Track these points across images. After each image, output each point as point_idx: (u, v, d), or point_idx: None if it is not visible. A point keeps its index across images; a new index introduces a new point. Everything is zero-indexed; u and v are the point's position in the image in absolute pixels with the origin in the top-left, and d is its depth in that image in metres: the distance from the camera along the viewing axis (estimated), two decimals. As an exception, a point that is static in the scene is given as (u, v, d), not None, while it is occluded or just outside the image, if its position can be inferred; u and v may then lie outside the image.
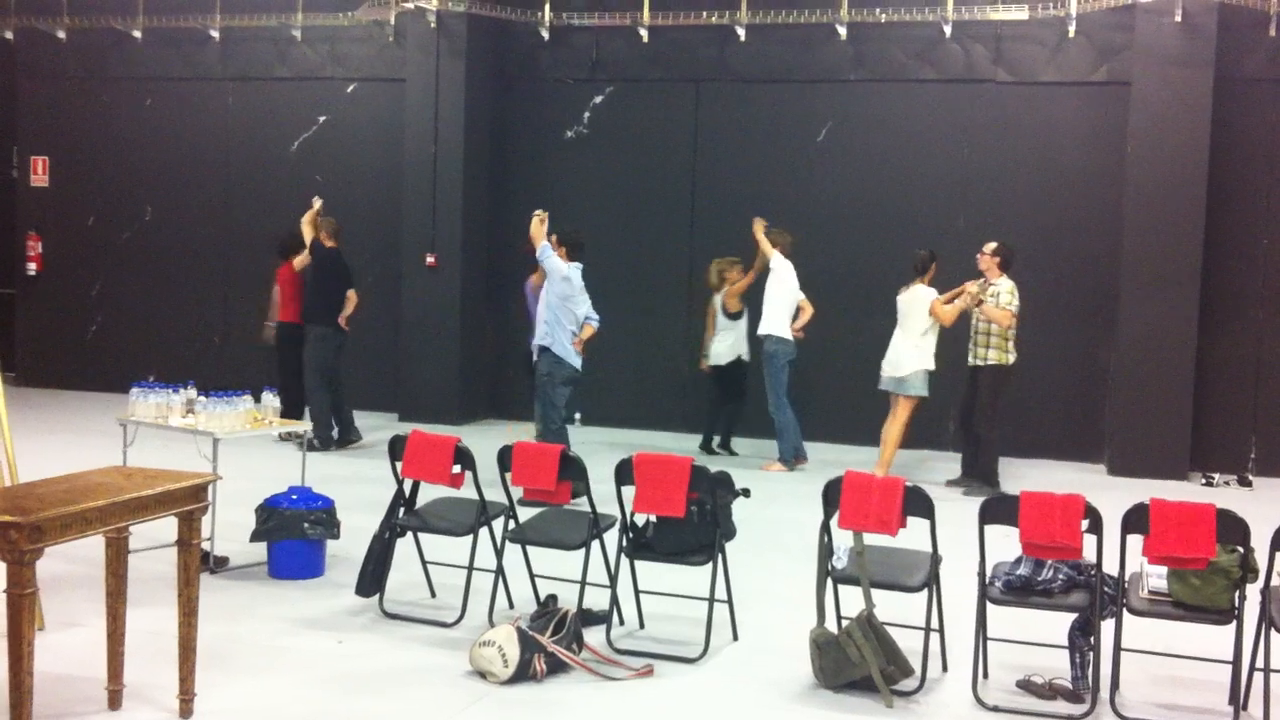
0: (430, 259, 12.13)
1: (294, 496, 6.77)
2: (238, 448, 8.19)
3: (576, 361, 8.92)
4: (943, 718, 5.06)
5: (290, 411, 10.29)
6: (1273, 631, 4.89)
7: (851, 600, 5.41)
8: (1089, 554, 5.01)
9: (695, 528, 5.65)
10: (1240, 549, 4.90)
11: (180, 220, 13.51)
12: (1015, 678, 5.36)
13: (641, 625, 6.03)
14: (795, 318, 10.41)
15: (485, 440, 8.75)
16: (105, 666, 4.78)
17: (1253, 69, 10.68)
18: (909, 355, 9.69)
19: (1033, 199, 11.27)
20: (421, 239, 12.18)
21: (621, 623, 5.90)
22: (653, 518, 5.77)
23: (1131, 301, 10.57)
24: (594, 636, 5.67)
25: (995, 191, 11.35)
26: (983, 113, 11.39)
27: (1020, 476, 9.85)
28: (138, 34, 13.31)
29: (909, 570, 5.34)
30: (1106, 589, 5.06)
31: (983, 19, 11.14)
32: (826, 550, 5.33)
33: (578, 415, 11.99)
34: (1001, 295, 9.42)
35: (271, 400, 7.35)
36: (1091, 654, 5.11)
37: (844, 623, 5.39)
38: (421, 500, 6.31)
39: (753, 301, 10.61)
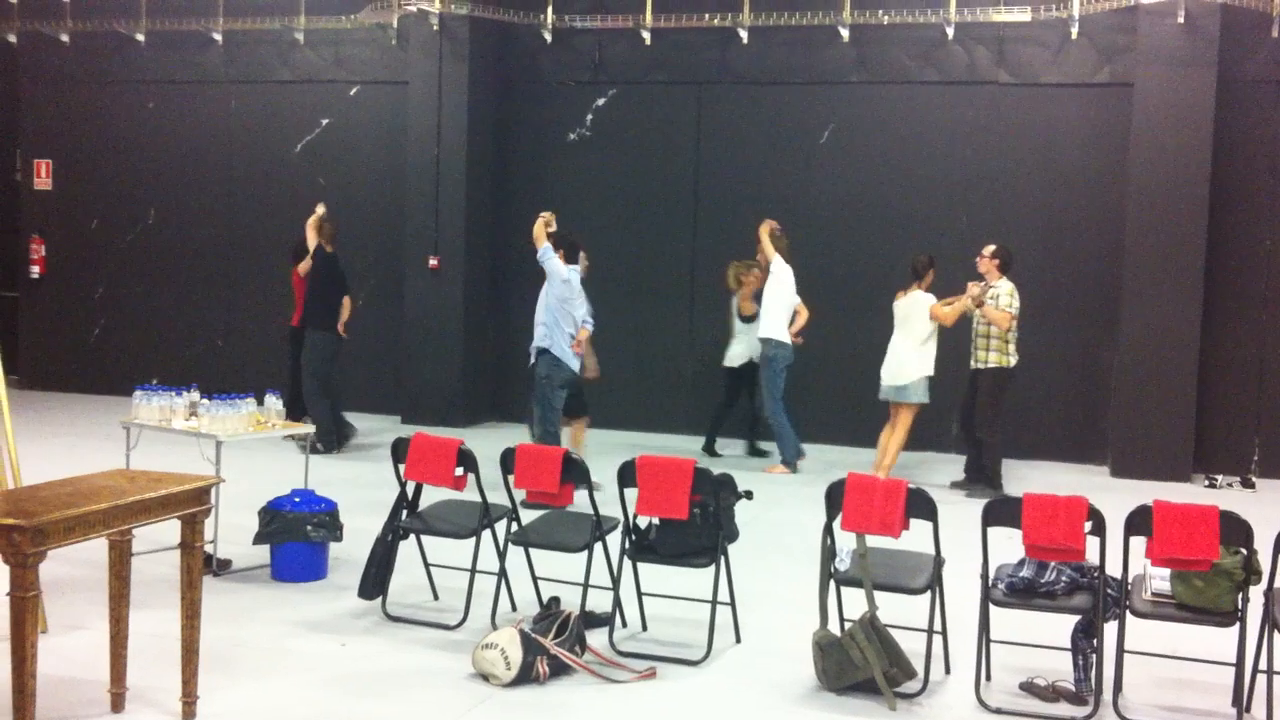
0: (433, 261, 12.14)
1: (297, 499, 6.78)
2: (241, 450, 8.18)
3: (574, 364, 8.97)
4: (946, 720, 5.07)
5: (297, 413, 10.35)
6: (1276, 633, 4.88)
7: (854, 602, 5.41)
8: (1092, 556, 5.01)
9: (698, 530, 5.65)
10: (1243, 551, 4.90)
11: (183, 223, 13.53)
12: (1018, 680, 5.36)
13: (644, 628, 6.04)
14: (791, 322, 10.41)
15: (488, 442, 8.76)
16: (108, 669, 4.78)
17: (1255, 70, 10.67)
18: (910, 363, 9.68)
19: (1035, 200, 11.26)
20: (424, 241, 12.19)
21: (624, 625, 5.90)
22: (655, 520, 5.77)
23: (1134, 302, 10.57)
24: (597, 639, 5.68)
25: (997, 193, 11.35)
26: (985, 114, 11.38)
27: (1023, 478, 9.84)
28: (140, 37, 13.33)
29: (912, 572, 5.34)
30: (1109, 591, 5.06)
31: (985, 21, 11.14)
32: (829, 552, 5.33)
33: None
34: (1001, 297, 9.42)
35: (274, 403, 7.35)
36: (1094, 656, 5.12)
37: (847, 625, 5.39)
38: (424, 502, 6.32)
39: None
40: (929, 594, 5.25)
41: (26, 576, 4.01)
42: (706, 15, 11.77)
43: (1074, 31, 10.94)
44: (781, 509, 8.74)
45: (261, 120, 13.29)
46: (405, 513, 6.22)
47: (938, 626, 5.33)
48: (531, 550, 6.10)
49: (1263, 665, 4.98)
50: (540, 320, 8.99)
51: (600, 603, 5.93)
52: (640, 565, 5.88)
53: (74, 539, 4.17)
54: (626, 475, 5.69)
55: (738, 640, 5.89)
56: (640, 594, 6.03)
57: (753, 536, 6.95)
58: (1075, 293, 11.15)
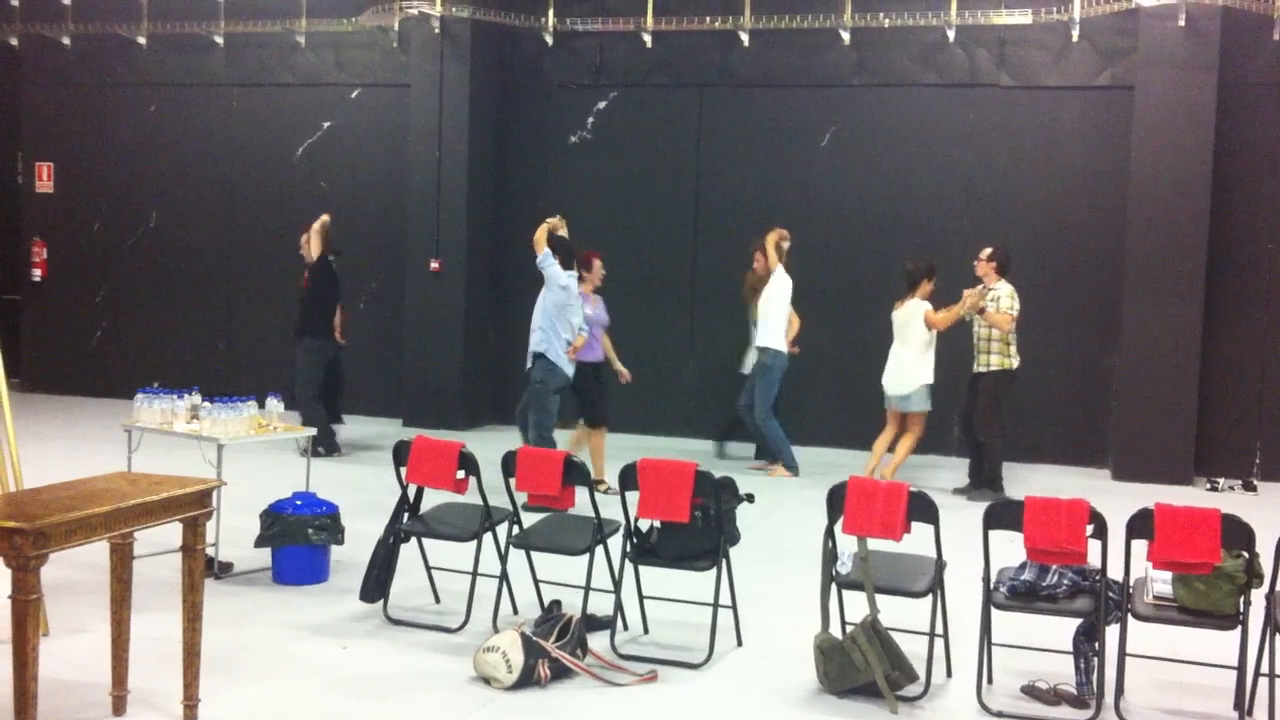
0: (434, 264, 12.14)
1: (298, 502, 6.78)
2: (242, 453, 8.17)
3: (569, 369, 9.03)
4: (947, 723, 5.06)
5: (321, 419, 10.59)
6: (1278, 637, 4.88)
7: (856, 606, 5.41)
8: (1093, 559, 5.00)
9: (699, 533, 5.65)
10: (1245, 554, 4.89)
11: (185, 226, 13.54)
12: (1020, 683, 5.36)
13: (646, 631, 6.04)
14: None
15: (489, 445, 8.76)
16: (110, 672, 4.78)
17: (1256, 73, 10.67)
18: (910, 372, 9.69)
19: (1036, 203, 11.27)
20: (425, 244, 12.19)
21: (626, 628, 5.90)
22: (657, 523, 5.77)
23: (1135, 305, 10.56)
24: (598, 642, 5.68)
25: (999, 196, 11.35)
26: (986, 117, 11.39)
27: (1024, 481, 9.84)
28: (142, 40, 13.34)
29: (913, 575, 5.33)
30: (1111, 594, 5.05)
31: (986, 23, 11.15)
32: (831, 555, 5.33)
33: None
34: (1002, 300, 9.42)
35: (276, 406, 7.35)
36: (1096, 659, 5.12)
37: (848, 628, 5.39)
38: (426, 505, 6.32)
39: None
40: (930, 597, 5.25)
41: (28, 579, 4.01)
42: (707, 18, 11.78)
43: (1075, 34, 10.94)
44: (783, 512, 8.74)
45: (263, 123, 13.30)
46: (406, 516, 6.22)
47: (939, 629, 5.33)
48: (533, 553, 6.10)
49: (1264, 669, 4.98)
50: (537, 325, 9.04)
51: (602, 606, 5.92)
52: (642, 568, 5.88)
53: (75, 542, 4.17)
54: (627, 478, 5.69)
55: (739, 643, 5.89)
56: (641, 597, 6.03)
57: (754, 539, 6.95)
58: (1076, 295, 11.15)
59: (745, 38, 11.69)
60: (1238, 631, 4.90)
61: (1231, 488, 10.34)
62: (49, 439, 10.65)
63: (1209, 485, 10.38)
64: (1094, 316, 11.10)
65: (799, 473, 10.30)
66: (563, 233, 9.19)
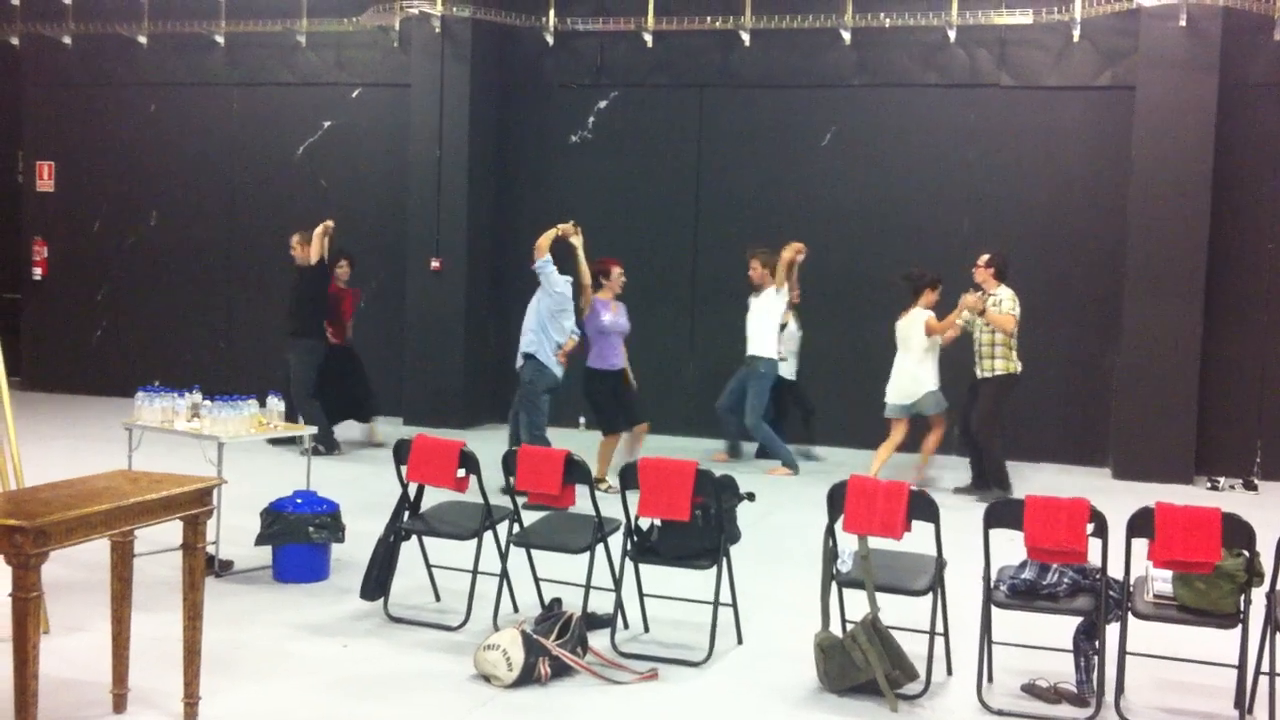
0: (435, 263, 12.15)
1: (299, 500, 6.78)
2: (242, 452, 8.19)
3: (559, 371, 9.19)
4: (947, 722, 5.06)
5: (358, 414, 11.00)
6: (1278, 635, 4.88)
7: (856, 604, 5.41)
8: (1094, 558, 5.00)
9: (700, 531, 5.66)
10: (1246, 553, 4.89)
11: (185, 225, 13.54)
12: (1020, 682, 5.36)
13: (646, 629, 6.04)
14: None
15: (490, 444, 8.77)
16: (110, 670, 4.78)
17: (1257, 73, 10.67)
18: (911, 381, 9.74)
19: (1037, 203, 11.27)
20: (426, 243, 12.20)
21: (626, 626, 5.90)
22: (657, 521, 5.77)
23: (1136, 305, 10.56)
24: (598, 640, 5.68)
25: (999, 196, 11.35)
26: (987, 117, 11.39)
27: (1025, 480, 9.84)
28: (143, 40, 13.35)
29: (914, 574, 5.33)
30: (1111, 593, 5.05)
31: (987, 24, 11.15)
32: (831, 554, 5.33)
33: (582, 420, 12.00)
34: (1004, 303, 9.42)
35: (276, 404, 7.35)
36: (1096, 658, 5.12)
37: (849, 627, 5.39)
38: (426, 504, 6.32)
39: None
40: (931, 596, 5.25)
41: (28, 577, 4.01)
42: (708, 18, 11.78)
43: (1076, 34, 10.95)
44: (783, 511, 8.74)
45: (263, 123, 13.30)
46: (407, 514, 6.22)
47: (939, 628, 5.33)
48: (533, 551, 6.10)
49: (1265, 667, 4.98)
50: (529, 327, 9.20)
51: (602, 604, 5.92)
52: (642, 567, 5.88)
53: (76, 540, 4.17)
54: (628, 477, 5.69)
55: (739, 642, 5.89)
56: (642, 595, 6.03)
57: (755, 539, 6.95)
58: (1077, 295, 11.16)
59: (746, 38, 11.69)
60: (1238, 630, 4.90)
61: (1232, 486, 10.35)
62: (49, 437, 10.65)
63: (1209, 484, 10.38)
64: (1095, 315, 11.10)
65: (798, 469, 10.32)
66: (575, 240, 9.21)
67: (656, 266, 12.14)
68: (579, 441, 9.34)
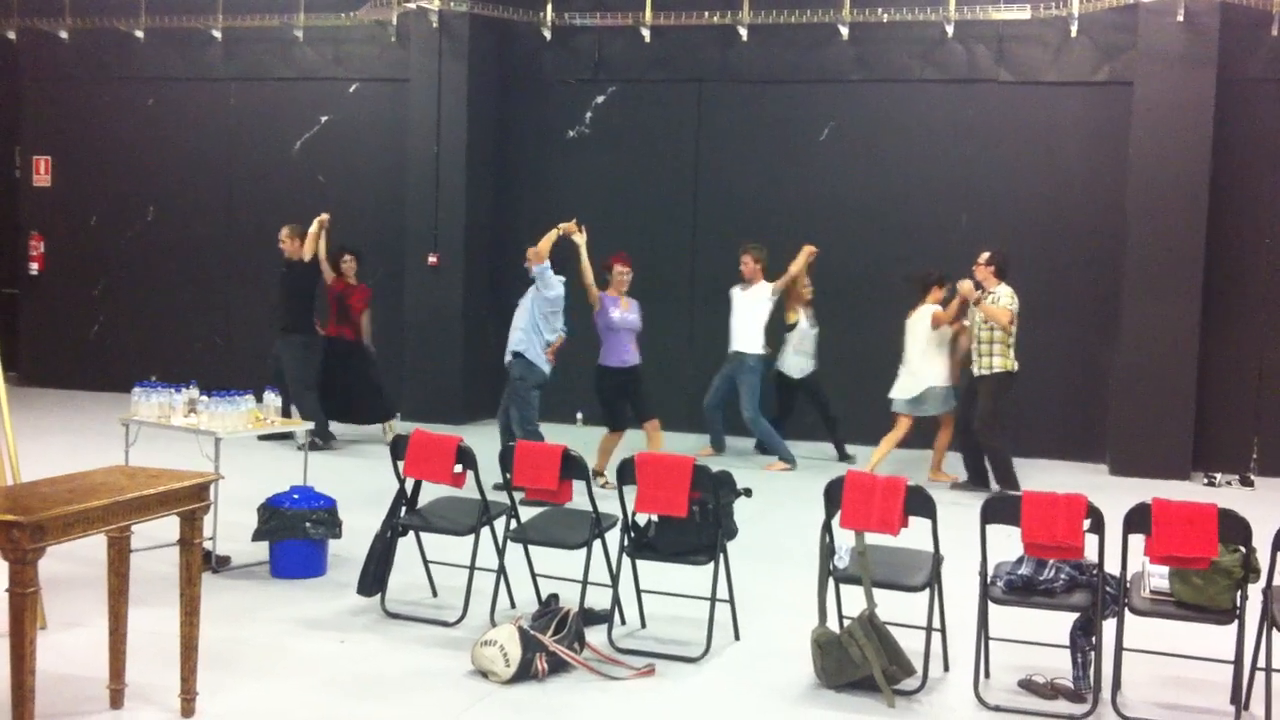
0: (433, 259, 12.14)
1: (296, 496, 6.78)
2: (240, 447, 8.19)
3: (547, 368, 9.25)
4: (945, 717, 5.06)
5: (372, 417, 10.99)
6: (1274, 631, 4.88)
7: (853, 600, 5.42)
8: (1091, 554, 5.01)
9: (697, 527, 5.66)
10: (1242, 549, 4.90)
11: (183, 220, 13.52)
12: (1017, 677, 5.37)
13: (643, 625, 6.04)
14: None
15: (487, 440, 8.78)
16: (107, 666, 4.78)
17: (1255, 69, 10.67)
18: (916, 375, 9.76)
19: (1035, 199, 11.26)
20: (424, 239, 12.19)
21: (623, 622, 5.90)
22: (654, 517, 5.77)
23: (1134, 301, 10.57)
24: (596, 636, 5.68)
25: (997, 192, 11.34)
26: (985, 113, 11.38)
27: (1022, 477, 9.81)
28: (140, 34, 13.32)
29: (911, 570, 5.34)
30: (1108, 589, 5.06)
31: (985, 19, 11.14)
32: (828, 550, 5.33)
33: (580, 415, 12.02)
34: (1001, 299, 9.42)
35: (273, 400, 7.35)
36: (1093, 654, 5.12)
37: (846, 622, 5.39)
38: (423, 500, 6.32)
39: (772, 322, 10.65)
40: (928, 591, 5.25)
41: (26, 573, 4.01)
42: (706, 13, 11.76)
43: (1074, 30, 10.94)
44: (781, 508, 8.75)
45: (261, 117, 13.28)
46: (404, 510, 6.22)
47: (936, 624, 5.33)
48: (530, 547, 6.10)
49: (1261, 663, 4.98)
50: (519, 325, 9.25)
51: (599, 600, 5.93)
52: (639, 562, 5.89)
53: (73, 535, 4.17)
54: (626, 473, 5.69)
55: (736, 638, 5.89)
56: (639, 591, 6.03)
57: (752, 535, 6.95)
58: (1075, 291, 11.15)
59: (744, 32, 11.68)
60: (1234, 626, 4.91)
61: (1229, 483, 10.35)
62: (47, 433, 10.64)
63: (1206, 480, 10.38)
64: (1092, 312, 11.10)
65: (796, 464, 10.33)
66: (578, 238, 9.21)
67: (654, 262, 12.10)
68: (576, 437, 9.36)
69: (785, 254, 10.55)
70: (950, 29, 11.22)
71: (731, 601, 5.88)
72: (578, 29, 12.26)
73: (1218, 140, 10.39)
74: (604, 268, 9.45)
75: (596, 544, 5.89)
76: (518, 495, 6.10)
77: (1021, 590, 5.14)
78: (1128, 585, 5.07)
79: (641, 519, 5.83)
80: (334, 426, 10.91)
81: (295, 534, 6.65)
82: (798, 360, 10.68)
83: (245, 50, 13.25)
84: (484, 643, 5.30)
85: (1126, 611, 5.03)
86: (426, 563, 6.45)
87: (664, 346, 12.07)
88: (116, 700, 4.78)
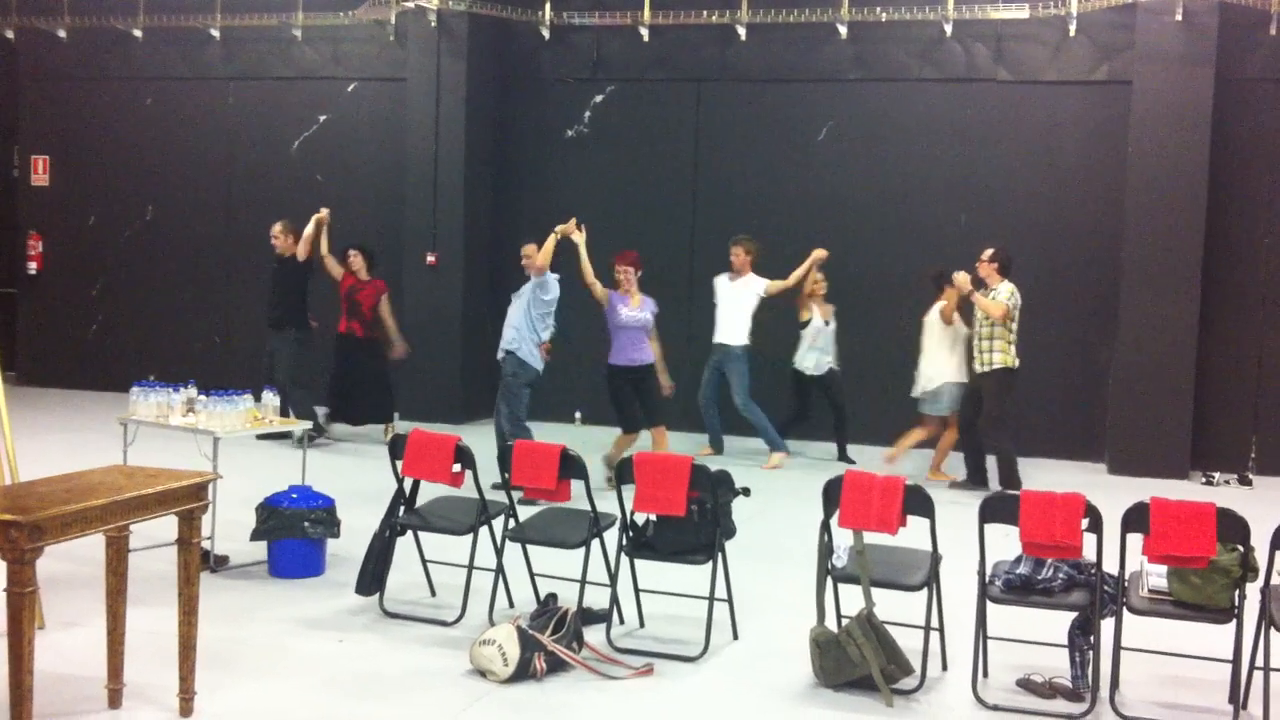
0: (431, 258, 12.14)
1: (294, 495, 6.78)
2: (238, 447, 8.19)
3: (539, 366, 9.31)
4: (943, 717, 5.06)
5: (376, 416, 10.99)
6: (1272, 630, 4.88)
7: (851, 599, 5.41)
8: (1089, 553, 5.01)
9: (695, 527, 5.66)
10: (1240, 548, 4.90)
11: (181, 219, 13.52)
12: (1015, 676, 5.37)
13: (642, 624, 6.04)
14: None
15: (486, 439, 8.79)
16: (105, 665, 4.78)
17: (1254, 68, 10.68)
18: (931, 370, 9.79)
19: (1034, 198, 11.27)
20: (422, 238, 12.19)
21: (622, 622, 5.90)
22: (653, 517, 5.77)
23: (1132, 300, 10.57)
24: (594, 635, 5.68)
25: (996, 191, 11.35)
26: (983, 112, 11.38)
27: (1021, 475, 9.83)
28: (138, 33, 13.32)
29: (909, 569, 5.34)
30: (1106, 588, 5.06)
31: (983, 18, 11.14)
32: (826, 549, 5.33)
33: (578, 415, 12.01)
34: (1000, 295, 9.42)
35: (271, 399, 7.35)
36: (1091, 653, 5.11)
37: (844, 622, 5.39)
38: (422, 499, 6.31)
39: (781, 318, 10.64)
40: (926, 591, 5.25)
41: (24, 572, 4.01)
42: (705, 12, 11.76)
43: (1072, 29, 10.94)
44: (780, 507, 8.75)
45: (259, 117, 13.28)
46: (403, 509, 6.22)
47: (935, 623, 5.33)
48: (529, 547, 6.10)
49: (1259, 662, 4.98)
50: (512, 324, 9.29)
51: (598, 599, 5.92)
52: (638, 562, 5.89)
53: (71, 535, 4.16)
54: (624, 472, 5.69)
55: (735, 637, 5.89)
56: (638, 591, 6.03)
57: (751, 534, 6.95)
58: (1073, 290, 11.16)
59: (743, 32, 11.68)
60: (1233, 625, 4.91)
61: (1227, 482, 10.36)
62: (45, 432, 10.64)
63: (1204, 479, 10.39)
64: (1091, 310, 11.11)
65: (789, 450, 10.31)
66: (577, 238, 9.20)
67: (653, 260, 12.07)
68: (574, 436, 9.37)
69: (784, 253, 10.57)
70: (949, 28, 11.22)
71: (730, 601, 5.88)
72: (576, 28, 12.26)
73: (1216, 139, 10.40)
74: (609, 267, 9.46)
75: (595, 543, 5.89)
76: (516, 494, 6.11)
77: (1020, 589, 5.14)
78: (1126, 584, 5.07)
79: (640, 518, 5.83)
80: (334, 426, 10.91)
81: (294, 533, 6.65)
82: (813, 356, 10.65)
83: (244, 50, 13.25)
84: (482, 642, 5.30)
85: (1125, 611, 5.03)
86: (425, 562, 6.44)
87: (662, 344, 12.05)
88: (115, 700, 4.78)
